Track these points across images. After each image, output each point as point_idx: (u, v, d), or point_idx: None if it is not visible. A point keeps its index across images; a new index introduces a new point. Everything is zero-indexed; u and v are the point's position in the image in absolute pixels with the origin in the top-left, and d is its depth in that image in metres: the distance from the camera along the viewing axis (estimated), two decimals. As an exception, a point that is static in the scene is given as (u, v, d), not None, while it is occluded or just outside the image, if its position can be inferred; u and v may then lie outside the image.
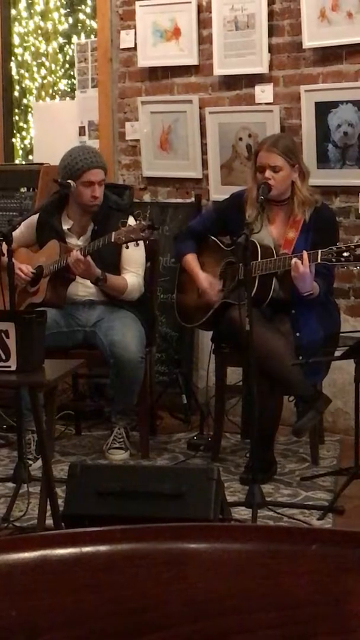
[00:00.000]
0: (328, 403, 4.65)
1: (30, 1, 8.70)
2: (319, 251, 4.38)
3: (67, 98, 8.68)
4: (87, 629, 1.07)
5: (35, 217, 5.08)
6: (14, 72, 7.91)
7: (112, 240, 4.65)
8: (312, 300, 4.54)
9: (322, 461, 4.95)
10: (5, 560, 1.06)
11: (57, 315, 4.91)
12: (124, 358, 4.82)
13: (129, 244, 4.63)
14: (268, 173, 4.60)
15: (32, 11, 9.04)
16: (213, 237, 4.94)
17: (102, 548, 1.08)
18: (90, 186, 4.92)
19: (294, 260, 4.39)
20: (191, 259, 4.93)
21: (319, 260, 4.36)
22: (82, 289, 5.04)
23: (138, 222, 4.70)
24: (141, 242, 4.72)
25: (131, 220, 4.86)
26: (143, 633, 1.08)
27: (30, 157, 8.33)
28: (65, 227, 5.08)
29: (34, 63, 9.20)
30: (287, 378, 4.51)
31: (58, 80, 9.35)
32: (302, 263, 4.35)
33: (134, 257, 4.98)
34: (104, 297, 5.04)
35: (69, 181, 4.91)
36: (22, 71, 9.08)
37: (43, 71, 9.25)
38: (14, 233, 4.51)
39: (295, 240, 4.66)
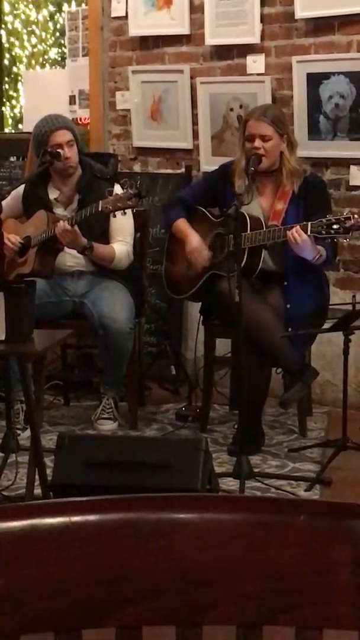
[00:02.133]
0: (315, 376, 4.66)
1: (20, -32, 8.64)
2: (309, 223, 4.37)
3: (58, 67, 8.63)
4: (74, 598, 1.08)
5: (21, 188, 5.06)
6: (4, 40, 7.86)
7: (100, 209, 4.64)
8: (307, 272, 4.55)
9: (310, 433, 4.97)
10: (-7, 529, 1.06)
11: (45, 286, 4.90)
12: (113, 329, 4.82)
13: (116, 212, 4.62)
14: (257, 142, 4.59)
15: (22, -22, 8.97)
16: (202, 208, 4.92)
17: (91, 518, 1.08)
18: (59, 148, 4.91)
19: (288, 234, 4.38)
20: (182, 223, 4.90)
21: (308, 233, 4.36)
22: (71, 259, 5.03)
23: (125, 190, 4.69)
24: (129, 211, 4.71)
25: (117, 189, 4.85)
26: (130, 603, 1.08)
27: (20, 126, 8.30)
28: (52, 197, 5.07)
29: (24, 31, 9.13)
30: (275, 350, 4.51)
31: (48, 48, 9.29)
32: (298, 236, 4.34)
33: (122, 226, 4.97)
34: (93, 267, 5.04)
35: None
36: (12, 39, 9.02)
37: (33, 39, 9.19)
38: (2, 204, 4.49)
39: (285, 212, 4.65)
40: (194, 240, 4.82)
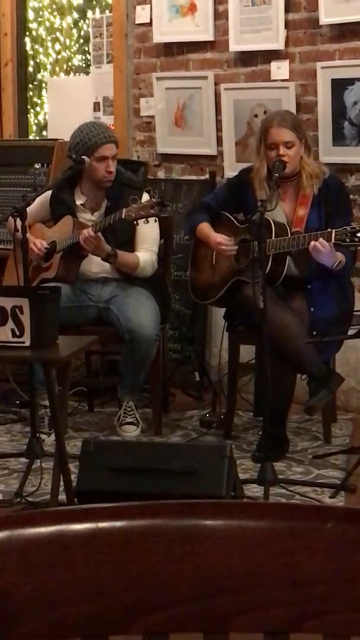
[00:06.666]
0: (341, 382, 4.65)
1: (45, -24, 8.67)
2: (333, 231, 4.36)
3: (82, 74, 8.65)
4: (101, 604, 1.08)
5: (48, 193, 5.08)
6: (28, 47, 7.89)
7: (123, 217, 4.65)
8: (330, 276, 4.53)
9: (335, 439, 4.95)
10: (21, 534, 1.06)
11: (68, 291, 4.90)
12: (140, 335, 4.81)
13: (140, 220, 4.63)
14: (283, 150, 4.58)
15: (47, -14, 9.00)
16: (227, 214, 4.92)
17: (118, 524, 1.08)
18: (104, 161, 4.92)
19: (312, 244, 4.36)
20: (205, 226, 4.89)
21: (332, 240, 4.34)
22: (96, 265, 5.04)
23: (149, 199, 4.70)
24: (154, 219, 4.71)
25: (145, 197, 4.86)
26: (156, 609, 1.08)
27: (44, 132, 8.31)
28: (78, 202, 5.08)
29: (49, 38, 9.16)
30: (300, 356, 4.50)
31: (72, 55, 9.31)
32: (321, 245, 4.33)
33: (147, 234, 4.97)
34: (118, 274, 5.04)
35: (83, 157, 4.90)
36: (36, 46, 9.05)
37: (57, 46, 9.22)
38: (29, 209, 4.51)
39: (307, 217, 4.64)
40: (217, 235, 4.81)
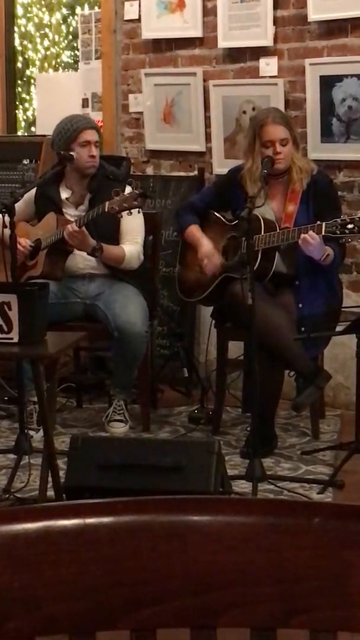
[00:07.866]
0: (328, 379, 4.65)
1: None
2: (323, 223, 4.37)
3: (70, 70, 8.65)
4: (88, 601, 1.08)
5: (33, 191, 5.07)
6: (17, 43, 7.87)
7: (106, 210, 4.65)
8: (318, 273, 4.54)
9: (323, 435, 4.96)
10: (7, 531, 1.06)
11: (54, 287, 4.89)
12: (129, 332, 4.81)
13: (123, 213, 4.63)
14: (279, 147, 4.58)
15: (35, -19, 8.98)
16: (215, 213, 4.92)
17: (105, 520, 1.08)
18: (87, 146, 4.93)
19: (302, 236, 4.37)
20: (195, 230, 4.91)
21: (323, 233, 4.35)
22: (82, 261, 5.03)
23: (131, 191, 4.71)
24: (139, 211, 4.72)
25: (128, 190, 4.86)
26: (144, 605, 1.08)
27: (32, 128, 8.30)
28: (63, 196, 5.08)
29: (37, 34, 9.15)
30: (288, 353, 4.50)
31: (61, 51, 9.30)
32: (310, 237, 4.34)
33: (131, 226, 4.97)
34: (104, 270, 5.04)
35: (71, 153, 4.91)
36: (25, 42, 9.03)
37: (46, 42, 9.20)
38: (15, 207, 4.50)
39: (296, 214, 4.65)
40: (205, 245, 4.83)
